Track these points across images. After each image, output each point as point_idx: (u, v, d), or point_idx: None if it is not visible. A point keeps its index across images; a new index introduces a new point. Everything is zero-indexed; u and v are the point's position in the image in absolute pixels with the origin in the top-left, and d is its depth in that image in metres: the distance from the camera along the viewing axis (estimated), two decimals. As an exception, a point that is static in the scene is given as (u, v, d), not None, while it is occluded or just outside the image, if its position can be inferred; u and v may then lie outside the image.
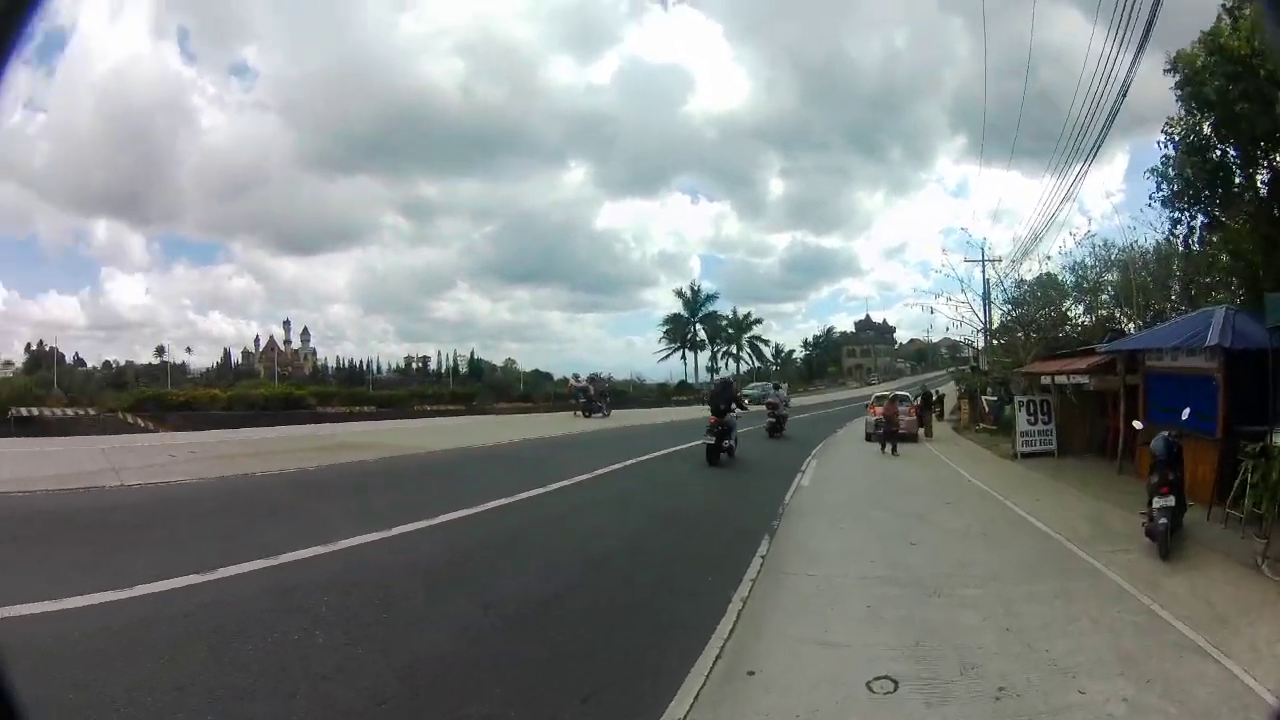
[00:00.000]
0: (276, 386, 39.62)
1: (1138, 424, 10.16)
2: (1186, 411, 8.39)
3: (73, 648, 4.32)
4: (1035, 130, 49.31)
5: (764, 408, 22.88)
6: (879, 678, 4.27)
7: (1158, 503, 7.11)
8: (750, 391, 47.13)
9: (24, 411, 24.70)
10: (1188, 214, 12.66)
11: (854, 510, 10.05)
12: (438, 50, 71.51)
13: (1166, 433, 7.88)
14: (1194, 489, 8.20)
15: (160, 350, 52.60)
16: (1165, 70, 11.35)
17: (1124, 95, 13.05)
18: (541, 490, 10.60)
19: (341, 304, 73.13)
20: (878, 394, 25.20)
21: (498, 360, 62.13)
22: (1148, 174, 13.04)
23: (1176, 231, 13.25)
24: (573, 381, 35.66)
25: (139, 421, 25.36)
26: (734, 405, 15.28)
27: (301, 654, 4.35)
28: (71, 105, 52.90)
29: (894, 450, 15.84)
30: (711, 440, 14.18)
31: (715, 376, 56.91)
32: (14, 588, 5.25)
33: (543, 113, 74.13)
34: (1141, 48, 11.89)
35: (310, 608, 5.22)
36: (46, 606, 4.96)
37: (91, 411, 26.22)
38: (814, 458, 16.71)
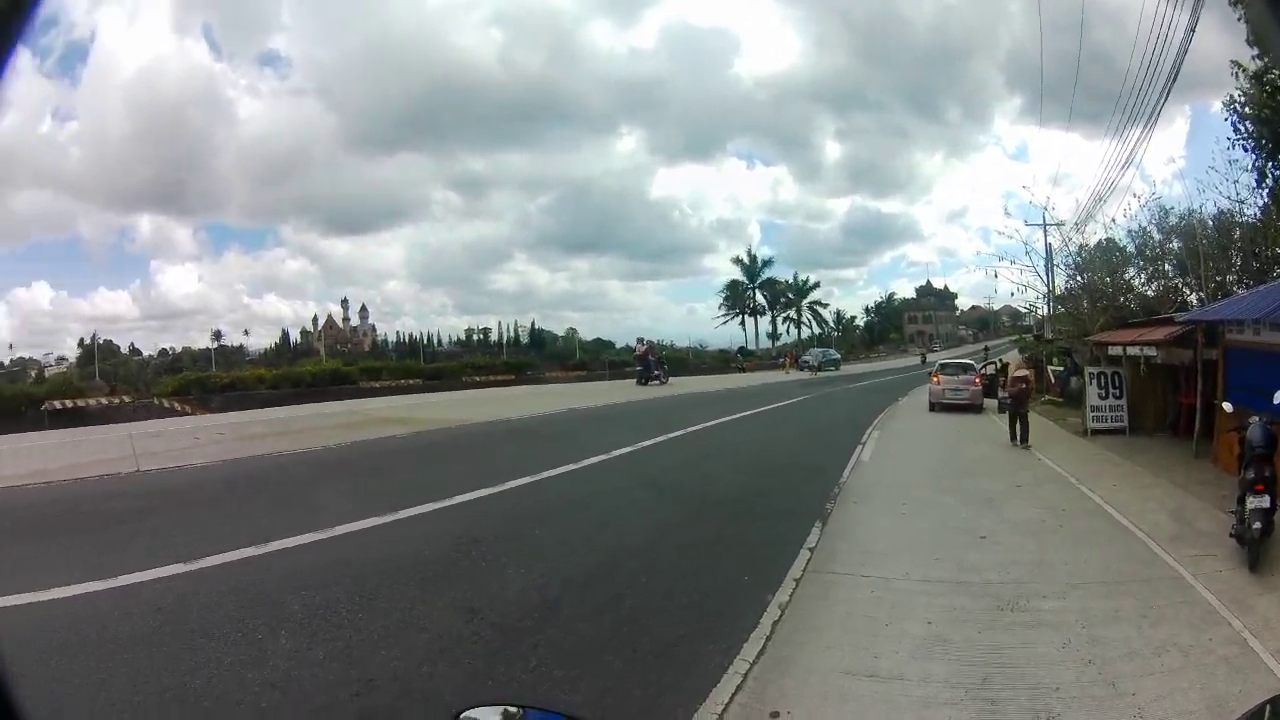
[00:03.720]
0: (325, 363, 41.48)
1: (1228, 406, 9.27)
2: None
3: (42, 638, 4.56)
4: (1094, 91, 49.21)
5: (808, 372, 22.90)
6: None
7: (1252, 502, 6.27)
8: (810, 358, 48.12)
9: (58, 404, 27.26)
10: (1273, 162, 11.55)
11: (917, 493, 9.58)
12: (471, 22, 74.30)
13: (1264, 419, 7.00)
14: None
15: (217, 335, 56.56)
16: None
17: (1182, 58, 12.20)
18: (572, 467, 10.51)
19: (398, 280, 78.34)
20: (941, 361, 25.79)
21: (559, 330, 66.65)
22: (1225, 109, 11.98)
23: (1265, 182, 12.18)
24: (638, 347, 36.55)
25: (177, 406, 27.38)
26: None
27: (258, 656, 4.37)
28: (101, 110, 57.49)
29: (1023, 439, 14.22)
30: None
31: (775, 343, 65.39)
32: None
33: (587, 80, 75.91)
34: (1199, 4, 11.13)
35: (283, 602, 5.27)
36: (20, 599, 5.28)
37: (127, 399, 28.14)
38: (875, 428, 16.15)
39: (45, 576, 5.72)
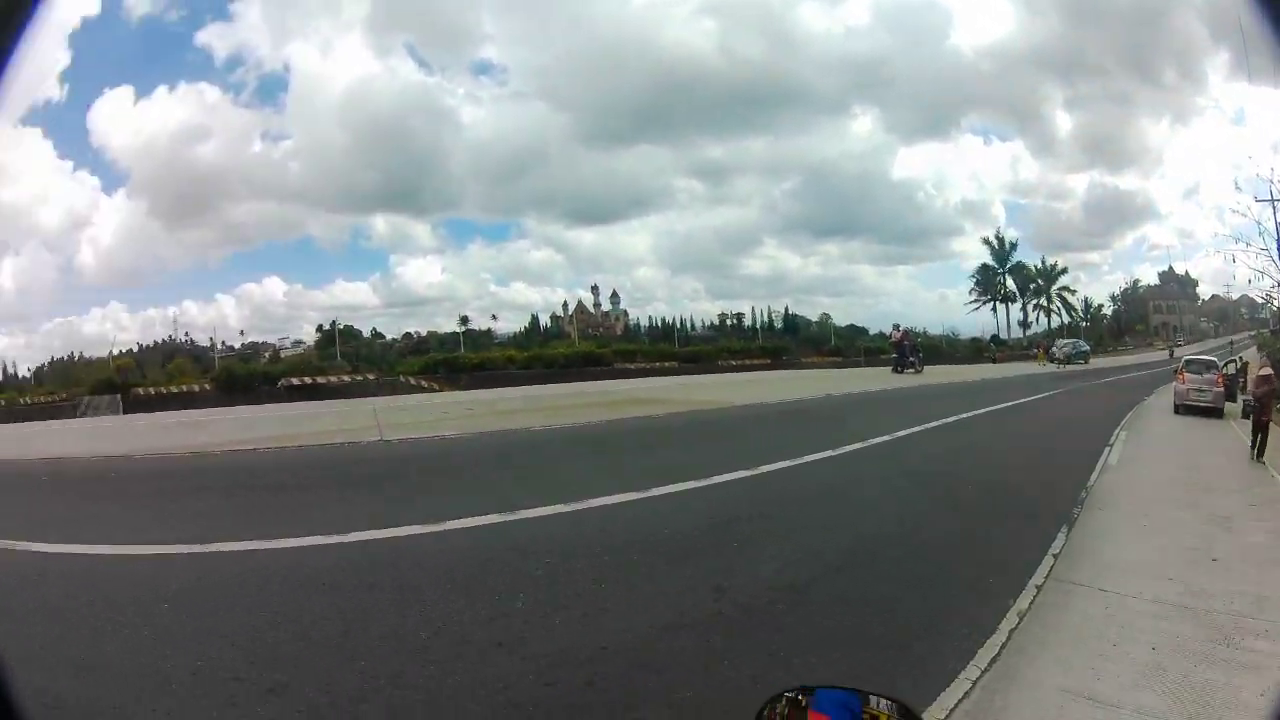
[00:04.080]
0: (578, 345, 44.62)
1: None
2: None
3: (268, 583, 5.49)
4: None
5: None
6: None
7: None
8: (1059, 349, 48.43)
9: (294, 380, 33.70)
10: None
11: (1158, 505, 9.65)
12: (680, 15, 79.36)
13: None
14: None
15: (464, 320, 63.75)
16: None
17: None
18: (831, 453, 10.75)
19: (647, 267, 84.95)
20: (1187, 357, 25.65)
21: (812, 315, 71.58)
22: None
23: None
24: (894, 334, 38.89)
25: (423, 383, 31.48)
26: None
27: (493, 614, 4.72)
28: (314, 128, 69.63)
29: (1260, 452, 12.91)
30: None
31: (1025, 332, 67.82)
32: (230, 529, 6.94)
33: (809, 62, 78.95)
34: None
35: (525, 567, 5.69)
36: (257, 545, 6.48)
37: (370, 377, 32.91)
38: (1123, 428, 15.49)
39: (299, 527, 6.89)
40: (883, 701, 1.43)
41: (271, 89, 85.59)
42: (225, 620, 4.77)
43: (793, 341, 60.91)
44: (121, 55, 61.85)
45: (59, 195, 65.88)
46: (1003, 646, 4.67)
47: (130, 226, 62.11)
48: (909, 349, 34.59)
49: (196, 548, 6.38)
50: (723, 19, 76.98)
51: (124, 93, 63.96)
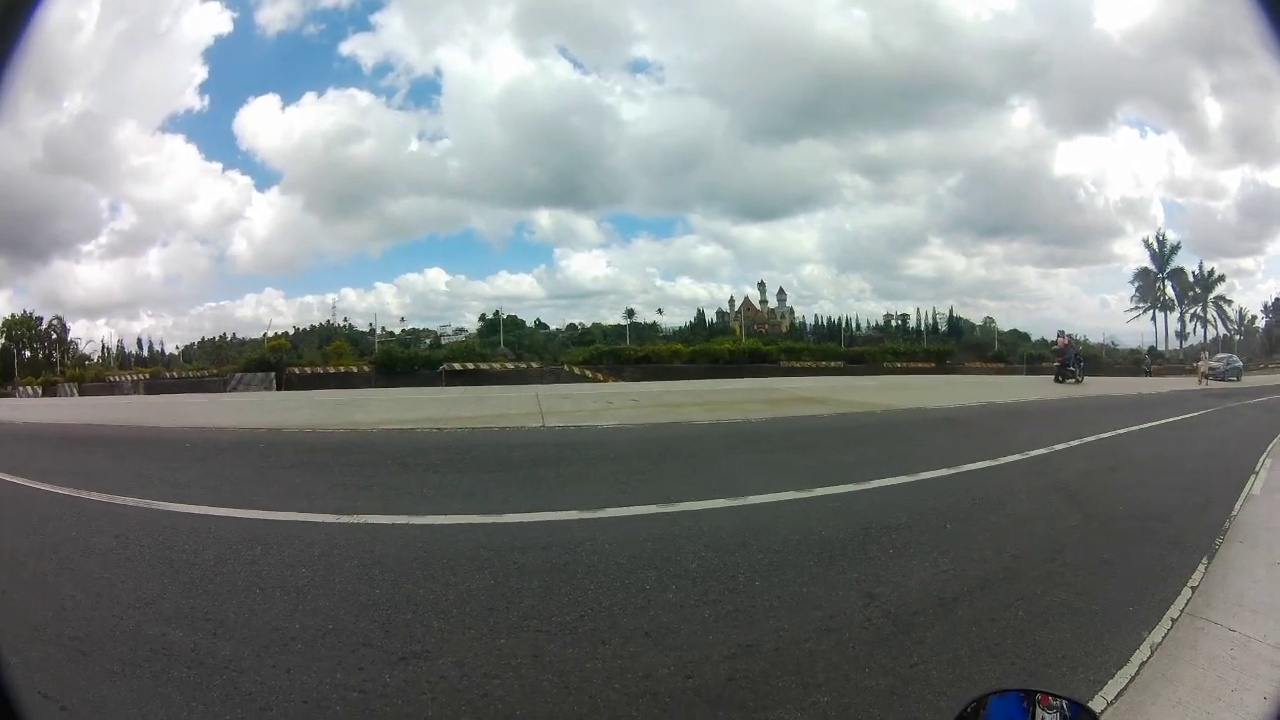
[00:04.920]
0: (744, 342, 44.96)
1: None
2: None
3: (413, 557, 5.71)
4: None
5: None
6: None
7: None
8: (1216, 363, 47.32)
9: (456, 365, 36.20)
10: None
11: None
12: (830, 4, 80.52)
13: None
14: None
15: (630, 313, 67.70)
16: None
17: None
18: (989, 463, 10.57)
19: (814, 264, 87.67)
20: None
21: (976, 318, 73.38)
22: None
23: None
24: (1060, 341, 39.48)
25: (587, 373, 32.95)
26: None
27: (641, 604, 4.73)
28: (471, 127, 77.06)
29: None
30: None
31: (1183, 343, 68.93)
32: (378, 503, 7.33)
33: (962, 51, 78.73)
34: None
35: (681, 560, 5.67)
36: (406, 520, 6.74)
37: (534, 365, 34.91)
38: (1269, 455, 13.76)
39: (450, 505, 7.28)
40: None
41: (425, 92, 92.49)
42: (364, 589, 4.89)
43: (956, 345, 62.55)
44: (261, 67, 70.28)
45: (208, 193, 74.75)
46: (1130, 680, 4.45)
47: (285, 220, 69.54)
48: (1073, 357, 35.51)
49: (344, 518, 6.68)
50: (872, 8, 77.68)
51: (269, 100, 71.93)
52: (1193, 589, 6.33)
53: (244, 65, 70.34)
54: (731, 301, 70.73)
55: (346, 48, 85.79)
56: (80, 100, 65.32)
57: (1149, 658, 4.79)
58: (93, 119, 63.77)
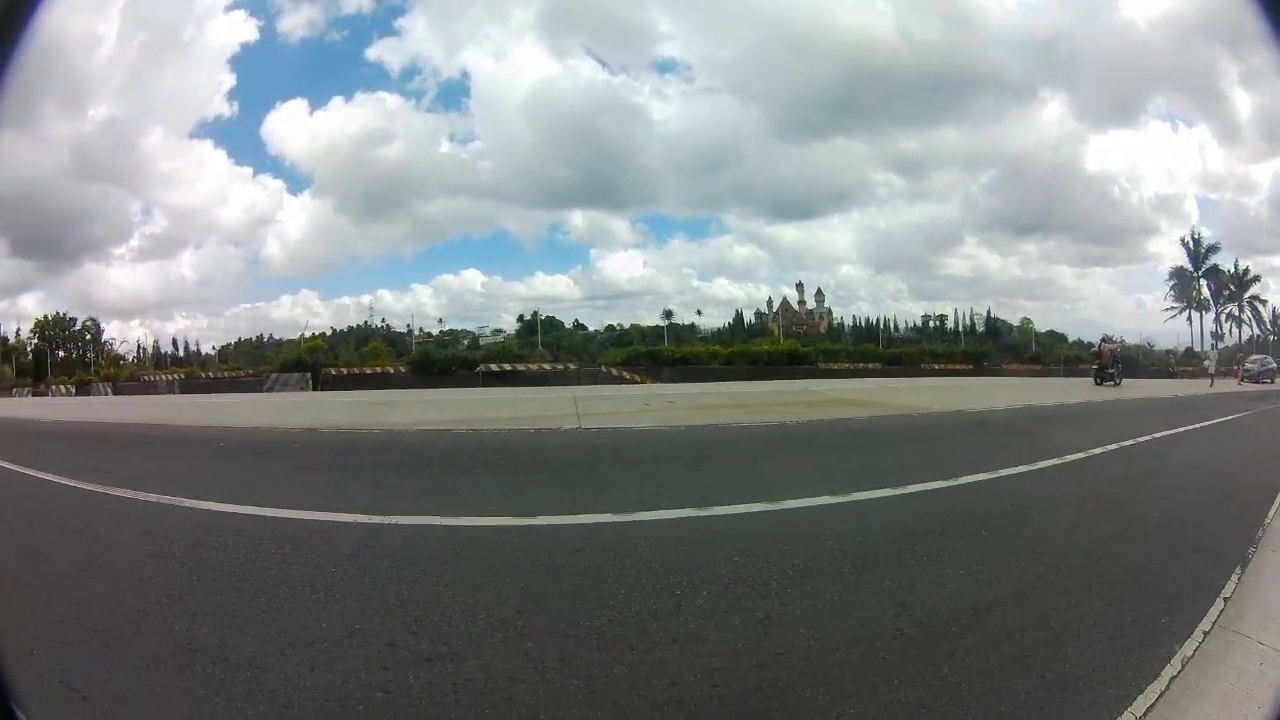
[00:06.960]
0: (782, 343, 44.95)
1: None
2: None
3: (444, 558, 5.69)
4: None
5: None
6: None
7: None
8: (1252, 365, 47.31)
9: (493, 366, 36.90)
10: None
11: None
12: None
13: None
14: None
15: (667, 314, 67.95)
16: None
17: None
18: (1026, 468, 10.41)
19: (850, 264, 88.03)
20: None
21: (1013, 319, 73.94)
22: None
23: None
24: (1104, 346, 39.55)
25: (625, 375, 33.34)
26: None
27: (670, 610, 4.67)
28: (501, 128, 78.41)
29: None
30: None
31: (1218, 344, 65.59)
32: (411, 504, 7.37)
33: (989, 43, 78.77)
34: None
35: (712, 565, 5.61)
36: (438, 520, 6.77)
37: (572, 366, 35.28)
38: None
39: (483, 506, 7.29)
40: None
41: (454, 94, 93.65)
42: (393, 589, 4.90)
43: (994, 346, 63.75)
44: (288, 73, 71.40)
45: (239, 197, 75.90)
46: (1160, 696, 4.33)
47: (317, 222, 70.69)
48: (1112, 360, 36.02)
49: (376, 518, 6.71)
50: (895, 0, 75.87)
51: (297, 105, 73.02)
52: (1225, 600, 6.21)
53: (271, 71, 72.09)
54: (770, 302, 71.06)
55: (372, 53, 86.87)
56: (106, 109, 67.72)
57: (1179, 672, 4.68)
58: (120, 126, 66.14)
